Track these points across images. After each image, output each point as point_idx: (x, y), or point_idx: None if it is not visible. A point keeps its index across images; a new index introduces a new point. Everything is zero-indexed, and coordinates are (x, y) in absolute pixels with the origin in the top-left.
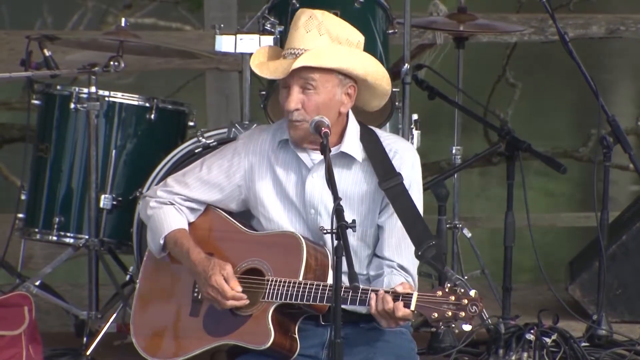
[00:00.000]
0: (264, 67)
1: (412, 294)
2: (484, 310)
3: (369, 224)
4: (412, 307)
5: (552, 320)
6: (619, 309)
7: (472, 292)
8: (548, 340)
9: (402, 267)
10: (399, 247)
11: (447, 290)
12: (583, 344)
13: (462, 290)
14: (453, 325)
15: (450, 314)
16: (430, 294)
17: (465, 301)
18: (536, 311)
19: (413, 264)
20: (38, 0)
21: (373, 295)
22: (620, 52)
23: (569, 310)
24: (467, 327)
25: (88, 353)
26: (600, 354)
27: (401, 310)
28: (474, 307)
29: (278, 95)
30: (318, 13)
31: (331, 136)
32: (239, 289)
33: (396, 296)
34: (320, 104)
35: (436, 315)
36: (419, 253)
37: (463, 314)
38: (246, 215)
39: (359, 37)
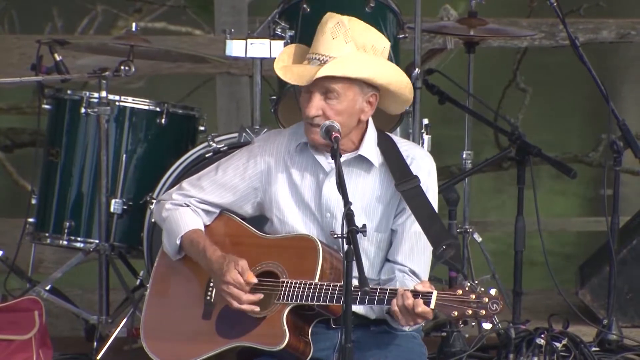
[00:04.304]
0: (288, 71)
1: (431, 293)
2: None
3: (384, 228)
4: (432, 306)
5: (563, 325)
6: (629, 313)
7: (493, 291)
8: (558, 344)
9: (413, 273)
10: (412, 253)
11: (467, 288)
12: (593, 349)
13: (483, 288)
14: (473, 324)
15: (470, 312)
16: (451, 292)
17: (486, 299)
18: (546, 316)
19: (425, 270)
20: (48, 5)
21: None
22: (630, 56)
23: (580, 314)
24: (487, 326)
25: (98, 358)
26: (611, 359)
27: (421, 307)
28: (494, 305)
29: (288, 100)
30: (345, 19)
31: (350, 142)
32: (254, 280)
33: (416, 294)
34: (341, 112)
35: (456, 313)
36: (437, 253)
37: (484, 312)
38: (259, 221)
39: (384, 44)
